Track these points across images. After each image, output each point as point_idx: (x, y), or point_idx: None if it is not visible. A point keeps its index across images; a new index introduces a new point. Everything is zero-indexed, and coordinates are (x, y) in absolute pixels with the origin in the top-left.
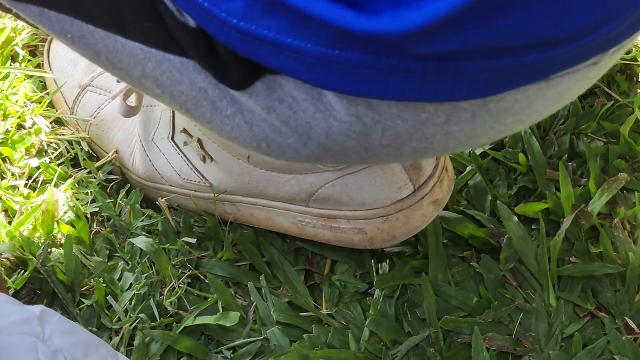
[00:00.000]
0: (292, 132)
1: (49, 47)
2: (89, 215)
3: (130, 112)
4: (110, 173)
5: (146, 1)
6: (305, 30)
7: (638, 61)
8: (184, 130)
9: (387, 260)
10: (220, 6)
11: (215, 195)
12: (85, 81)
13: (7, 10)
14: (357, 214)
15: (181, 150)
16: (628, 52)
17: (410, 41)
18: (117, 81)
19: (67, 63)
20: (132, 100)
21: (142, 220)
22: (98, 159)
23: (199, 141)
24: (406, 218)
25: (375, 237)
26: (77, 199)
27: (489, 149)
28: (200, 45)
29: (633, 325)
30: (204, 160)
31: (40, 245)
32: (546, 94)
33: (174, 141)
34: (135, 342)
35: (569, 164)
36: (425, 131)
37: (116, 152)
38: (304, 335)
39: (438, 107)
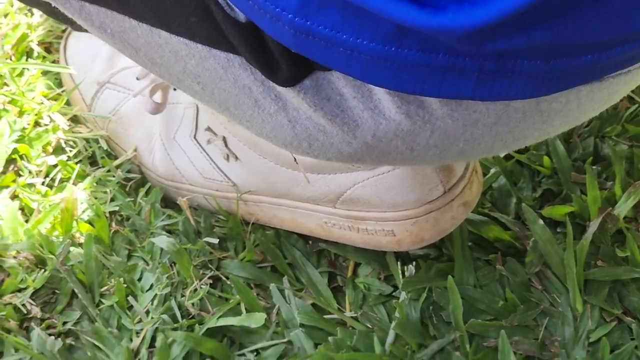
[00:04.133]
0: (338, 131)
1: (65, 43)
2: (107, 215)
3: (156, 109)
4: (129, 172)
5: None
6: (362, 26)
7: None
8: (208, 129)
9: (413, 263)
10: (276, 1)
11: (239, 195)
12: (104, 78)
13: (45, 5)
14: (386, 215)
15: (204, 149)
16: None
17: (472, 38)
18: (137, 78)
19: (84, 60)
20: (158, 97)
21: (162, 220)
22: (116, 157)
23: (224, 139)
24: (436, 220)
25: (403, 239)
26: (96, 198)
27: (513, 151)
28: (250, 40)
29: None
30: (227, 159)
31: (59, 244)
32: (596, 95)
33: (196, 139)
34: (157, 344)
35: (594, 167)
36: (474, 132)
37: (135, 150)
38: (329, 338)
39: (490, 107)
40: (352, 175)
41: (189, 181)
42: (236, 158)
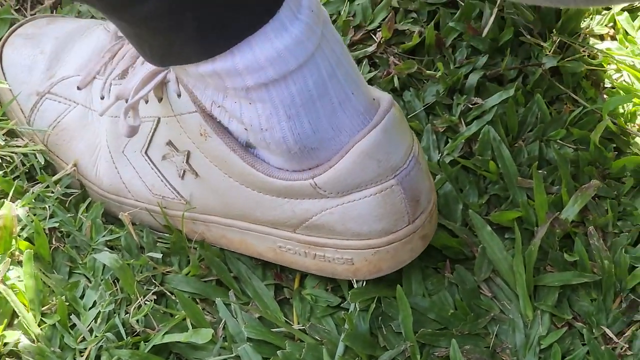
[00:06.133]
0: None
1: (0, 52)
2: (47, 231)
3: (132, 131)
4: (68, 187)
5: None
6: None
7: (604, 67)
8: (170, 143)
9: None
10: None
11: (184, 212)
12: (44, 88)
13: None
14: (348, 243)
15: (155, 165)
16: (594, 58)
17: None
18: (78, 88)
19: (21, 69)
20: (131, 119)
21: (103, 236)
22: (56, 171)
23: (187, 154)
24: (395, 251)
25: (360, 268)
26: (35, 214)
27: (458, 157)
28: None
29: (611, 335)
30: (182, 176)
31: None
32: None
33: (147, 155)
34: None
35: (539, 171)
36: None
37: (75, 165)
38: (277, 352)
39: None
40: (321, 202)
41: (135, 197)
42: (196, 175)
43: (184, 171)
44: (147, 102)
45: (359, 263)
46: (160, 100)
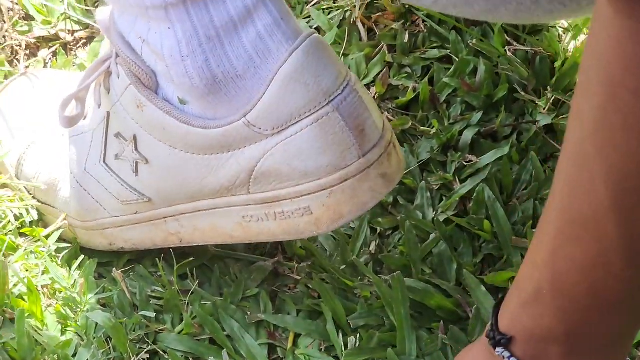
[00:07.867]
0: None
1: None
2: (40, 288)
3: (70, 122)
4: (60, 239)
5: None
6: None
7: None
8: (118, 135)
9: (357, 335)
10: None
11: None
12: (29, 139)
13: None
14: (300, 189)
15: (113, 171)
16: None
17: None
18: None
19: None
20: (70, 110)
21: (96, 293)
22: (46, 219)
23: (134, 139)
24: (353, 191)
25: (321, 217)
26: (27, 270)
27: (453, 215)
28: None
29: None
30: (136, 170)
31: None
32: None
33: (106, 163)
34: None
35: (534, 230)
36: None
37: (65, 218)
38: None
39: None
40: (261, 144)
41: (112, 212)
42: (146, 161)
43: (136, 163)
44: (99, 106)
45: (318, 210)
46: (108, 91)
